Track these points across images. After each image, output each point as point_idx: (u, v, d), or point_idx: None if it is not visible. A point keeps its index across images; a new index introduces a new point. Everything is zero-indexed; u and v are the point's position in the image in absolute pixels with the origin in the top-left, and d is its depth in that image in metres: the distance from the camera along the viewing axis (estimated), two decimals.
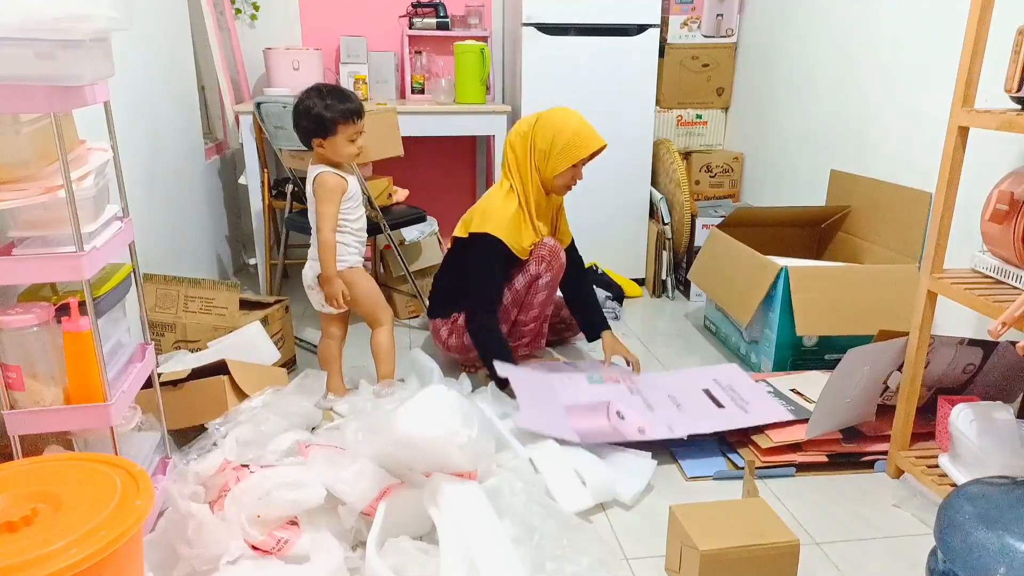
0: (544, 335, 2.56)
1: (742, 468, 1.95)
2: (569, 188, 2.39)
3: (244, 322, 2.28)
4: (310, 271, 2.22)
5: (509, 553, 1.47)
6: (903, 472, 1.92)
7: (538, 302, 2.42)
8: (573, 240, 2.59)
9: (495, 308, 2.38)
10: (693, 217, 3.23)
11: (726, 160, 3.61)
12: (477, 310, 2.35)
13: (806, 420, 2.00)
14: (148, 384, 1.71)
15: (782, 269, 2.37)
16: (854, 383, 1.96)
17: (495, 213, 2.33)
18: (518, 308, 2.43)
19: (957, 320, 2.28)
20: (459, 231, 2.45)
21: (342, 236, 2.18)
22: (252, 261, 3.67)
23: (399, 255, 2.94)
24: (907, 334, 1.89)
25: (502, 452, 1.89)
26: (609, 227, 3.42)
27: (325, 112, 2.06)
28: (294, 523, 1.55)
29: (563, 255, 2.40)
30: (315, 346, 2.74)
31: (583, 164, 2.34)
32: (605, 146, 2.33)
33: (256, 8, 3.58)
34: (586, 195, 2.98)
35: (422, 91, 3.58)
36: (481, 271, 2.36)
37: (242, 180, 3.28)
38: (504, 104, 3.55)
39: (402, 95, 3.68)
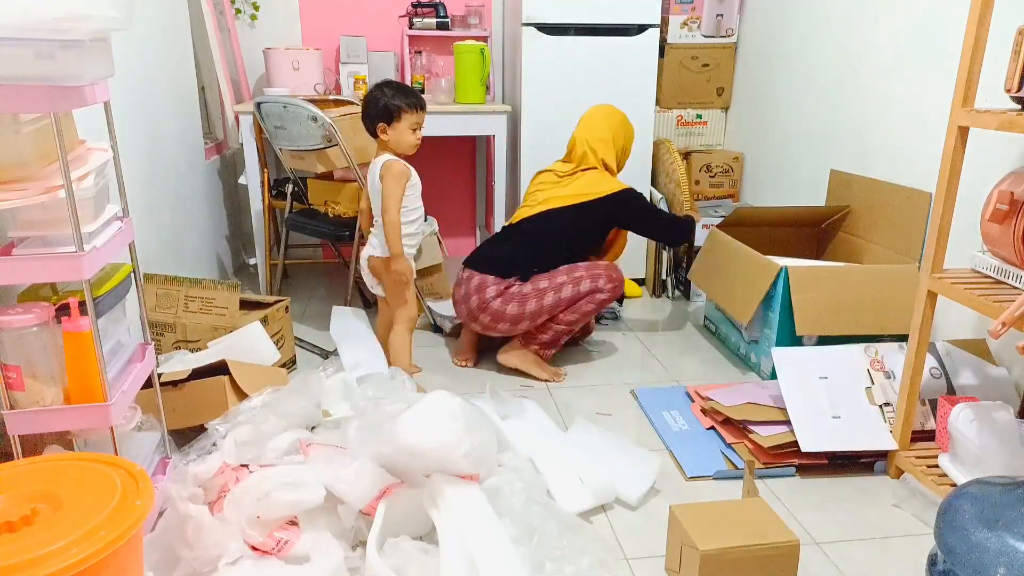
0: (559, 347, 2.60)
1: (742, 468, 1.95)
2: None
3: (244, 322, 2.28)
4: (366, 252, 2.47)
5: (509, 553, 1.47)
6: (903, 472, 1.93)
7: (583, 312, 2.50)
8: None
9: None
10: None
11: (726, 160, 3.61)
12: (684, 226, 2.74)
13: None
14: (148, 384, 1.71)
15: (782, 269, 2.37)
16: (819, 394, 2.00)
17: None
18: (566, 307, 2.49)
19: (957, 320, 2.28)
20: (572, 199, 2.58)
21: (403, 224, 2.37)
22: (252, 261, 3.67)
23: None
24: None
25: (503, 452, 1.88)
26: None
27: (392, 101, 2.31)
28: (294, 523, 1.55)
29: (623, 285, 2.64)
30: (315, 345, 2.75)
31: None
32: None
33: (256, 8, 3.58)
34: None
35: (422, 91, 3.57)
36: (651, 208, 2.73)
37: (242, 180, 3.28)
38: (504, 104, 3.55)
39: None
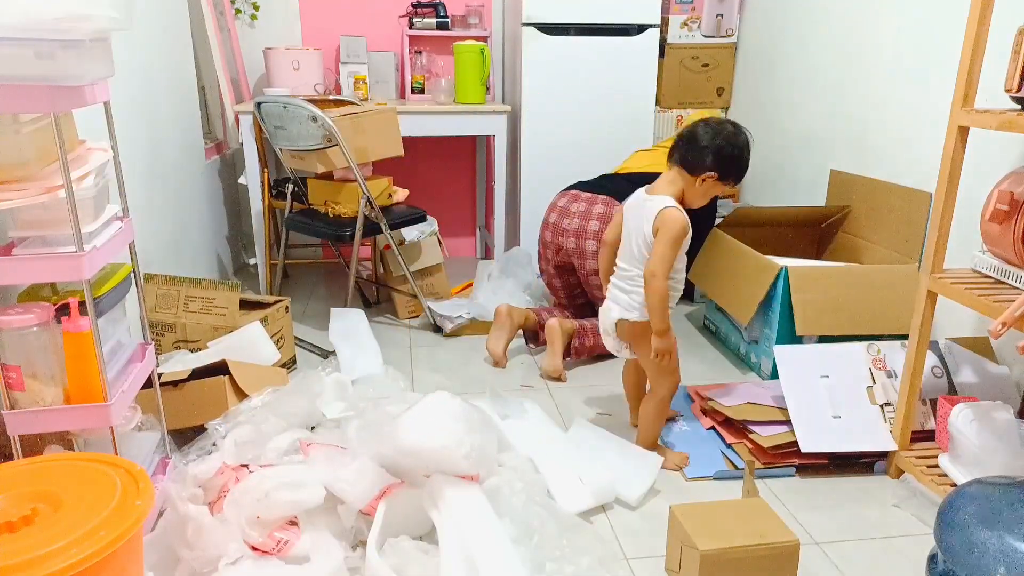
0: (584, 355, 2.67)
1: (742, 468, 1.95)
2: None
3: (244, 322, 2.28)
4: (610, 314, 1.98)
5: (509, 553, 1.47)
6: (903, 472, 1.93)
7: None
8: None
9: None
10: None
11: None
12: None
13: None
14: (148, 384, 1.71)
15: (782, 269, 2.37)
16: (819, 393, 2.00)
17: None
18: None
19: (957, 320, 2.28)
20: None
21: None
22: (252, 261, 3.67)
23: (399, 255, 2.94)
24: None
25: (503, 452, 1.88)
26: None
27: (742, 165, 1.93)
28: (294, 523, 1.55)
29: None
30: (315, 345, 2.75)
31: None
32: None
33: (256, 8, 3.58)
34: None
35: (422, 91, 3.58)
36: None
37: (242, 180, 3.28)
38: (504, 104, 3.55)
39: (402, 95, 3.68)
